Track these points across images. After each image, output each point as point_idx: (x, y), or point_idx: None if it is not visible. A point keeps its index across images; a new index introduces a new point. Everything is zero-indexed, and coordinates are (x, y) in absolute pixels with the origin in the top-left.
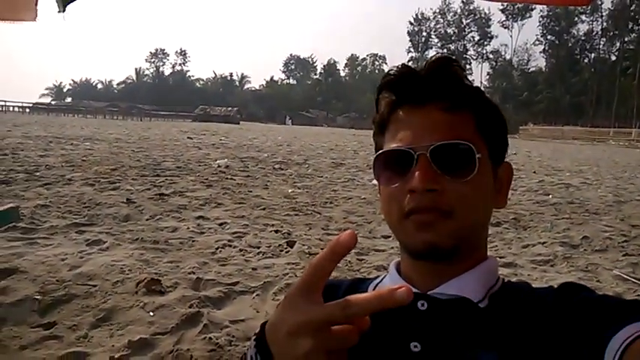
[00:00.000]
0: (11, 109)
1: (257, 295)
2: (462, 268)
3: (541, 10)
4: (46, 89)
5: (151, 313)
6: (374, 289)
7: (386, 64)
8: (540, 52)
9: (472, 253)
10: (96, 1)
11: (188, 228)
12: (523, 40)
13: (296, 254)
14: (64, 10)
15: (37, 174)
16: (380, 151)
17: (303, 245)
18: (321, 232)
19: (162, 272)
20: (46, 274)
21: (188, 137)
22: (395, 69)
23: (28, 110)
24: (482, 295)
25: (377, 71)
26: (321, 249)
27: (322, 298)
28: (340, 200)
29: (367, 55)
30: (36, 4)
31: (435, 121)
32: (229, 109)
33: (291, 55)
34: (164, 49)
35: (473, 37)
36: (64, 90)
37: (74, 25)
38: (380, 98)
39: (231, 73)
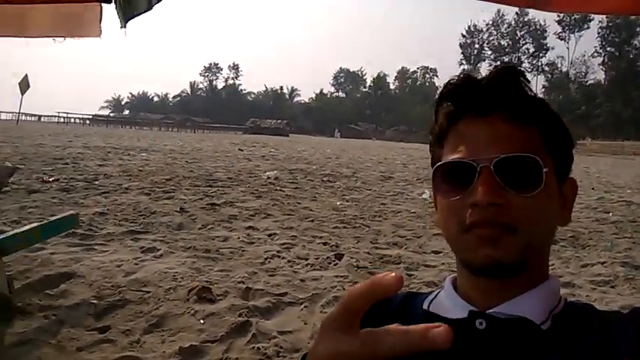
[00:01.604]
0: (72, 120)
1: (305, 306)
2: (524, 287)
3: (600, 21)
4: (105, 102)
5: (202, 321)
6: (429, 306)
7: (437, 76)
8: (599, 64)
9: (534, 271)
10: (153, 18)
11: (238, 238)
12: (580, 52)
13: (344, 267)
14: (125, 26)
15: (96, 183)
16: (439, 163)
17: (352, 258)
18: (369, 246)
19: (212, 281)
20: (102, 279)
21: (239, 149)
22: (456, 78)
23: (88, 122)
24: (545, 316)
25: (427, 84)
26: (370, 263)
27: (358, 328)
28: (389, 214)
29: (418, 68)
30: (100, 22)
31: (498, 132)
32: (279, 121)
33: (340, 68)
34: (217, 64)
35: (527, 49)
36: (122, 103)
37: (132, 41)
38: (439, 108)
39: (282, 87)
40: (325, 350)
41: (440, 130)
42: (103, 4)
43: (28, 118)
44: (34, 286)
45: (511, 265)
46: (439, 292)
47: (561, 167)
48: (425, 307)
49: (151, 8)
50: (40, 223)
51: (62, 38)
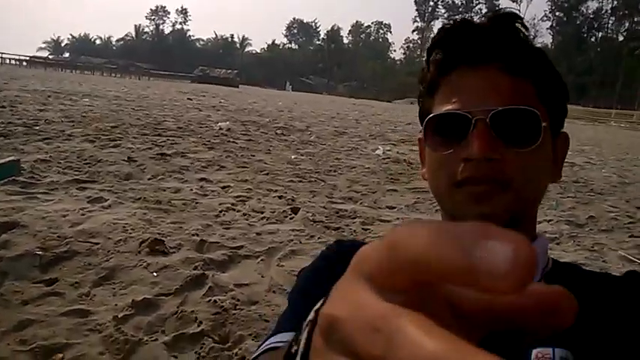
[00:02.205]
0: (8, 61)
1: (262, 260)
2: None
3: None
4: (44, 43)
5: (155, 274)
6: None
7: (390, 32)
8: (547, 28)
9: (526, 229)
10: None
11: (191, 189)
12: (531, 15)
13: (300, 221)
14: None
15: (37, 128)
16: (432, 115)
17: (308, 212)
18: (325, 200)
19: (165, 233)
20: (46, 229)
21: (188, 98)
22: (451, 23)
23: (25, 64)
24: (539, 276)
25: (381, 40)
26: (325, 217)
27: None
28: (344, 169)
29: (372, 23)
30: None
31: (495, 83)
32: (229, 71)
33: (294, 18)
34: (165, 7)
35: (480, 9)
36: (62, 45)
37: None
38: (431, 56)
39: (232, 35)
40: (332, 310)
41: (431, 79)
42: None
43: None
44: None
45: (503, 223)
46: None
47: (556, 121)
48: None
49: None
50: None
51: None
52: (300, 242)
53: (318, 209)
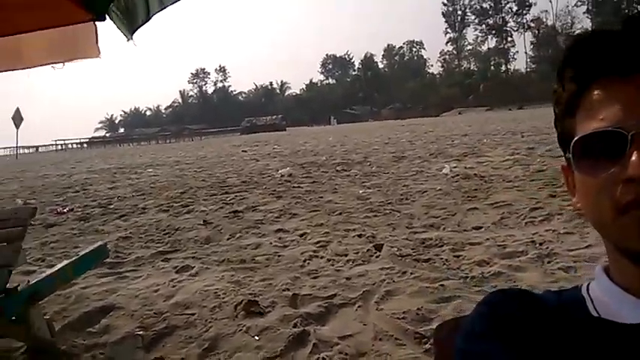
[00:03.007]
0: (70, 146)
1: (359, 306)
2: None
3: None
4: (100, 123)
5: (256, 337)
6: (597, 312)
7: (424, 49)
8: (584, 12)
9: None
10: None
11: (270, 243)
12: (564, 3)
13: (387, 258)
14: (132, 38)
15: (111, 207)
16: (577, 137)
17: (392, 247)
18: (406, 232)
19: (256, 292)
20: (142, 307)
21: (242, 150)
22: (584, 35)
23: (85, 145)
24: None
25: (415, 58)
26: (412, 249)
27: None
28: (415, 195)
29: (404, 43)
30: (97, 41)
31: None
32: (274, 117)
33: (327, 55)
34: (204, 69)
35: (511, 8)
36: (116, 122)
37: (115, 59)
38: (565, 73)
39: (271, 82)
40: None
41: (568, 99)
42: (98, 23)
43: (26, 150)
44: (74, 326)
45: None
46: (588, 285)
47: None
48: (593, 313)
49: (150, 18)
50: (71, 260)
51: (61, 64)
52: (394, 281)
53: (401, 242)
